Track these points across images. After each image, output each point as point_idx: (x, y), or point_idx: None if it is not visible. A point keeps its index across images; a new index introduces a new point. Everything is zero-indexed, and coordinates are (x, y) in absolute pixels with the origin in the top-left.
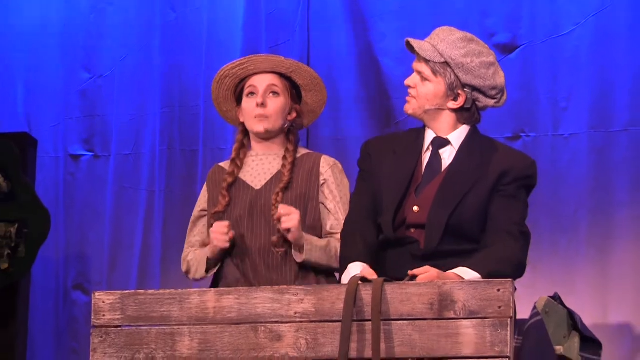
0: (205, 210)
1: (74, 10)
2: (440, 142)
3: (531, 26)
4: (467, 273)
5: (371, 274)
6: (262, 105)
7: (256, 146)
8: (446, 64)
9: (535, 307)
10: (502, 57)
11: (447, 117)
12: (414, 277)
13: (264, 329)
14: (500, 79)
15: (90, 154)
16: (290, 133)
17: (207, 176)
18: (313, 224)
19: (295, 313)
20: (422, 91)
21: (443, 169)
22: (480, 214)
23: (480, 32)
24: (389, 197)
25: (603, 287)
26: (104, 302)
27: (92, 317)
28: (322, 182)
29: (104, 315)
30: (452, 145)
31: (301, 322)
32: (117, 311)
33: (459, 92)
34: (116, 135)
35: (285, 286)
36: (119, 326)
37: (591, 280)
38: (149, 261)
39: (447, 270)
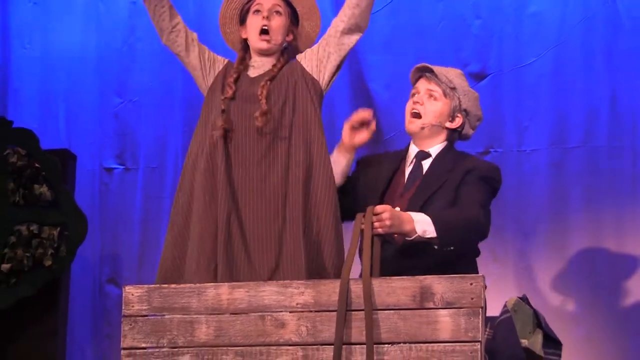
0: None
1: (109, 44)
2: (422, 155)
3: (498, 58)
4: (417, 215)
5: None
6: (267, 19)
7: (255, 58)
8: (455, 89)
9: (505, 306)
10: (474, 84)
11: (441, 136)
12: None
13: (270, 318)
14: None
15: (122, 167)
16: (285, 52)
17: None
18: (306, 118)
19: (297, 304)
20: (431, 108)
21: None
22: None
23: (455, 62)
24: (372, 193)
25: (562, 282)
26: (133, 295)
27: (123, 308)
28: (306, 59)
29: (133, 306)
30: (432, 157)
31: (302, 311)
32: (144, 302)
33: (458, 115)
34: (144, 151)
35: (288, 281)
36: (146, 315)
37: (551, 276)
38: None
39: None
